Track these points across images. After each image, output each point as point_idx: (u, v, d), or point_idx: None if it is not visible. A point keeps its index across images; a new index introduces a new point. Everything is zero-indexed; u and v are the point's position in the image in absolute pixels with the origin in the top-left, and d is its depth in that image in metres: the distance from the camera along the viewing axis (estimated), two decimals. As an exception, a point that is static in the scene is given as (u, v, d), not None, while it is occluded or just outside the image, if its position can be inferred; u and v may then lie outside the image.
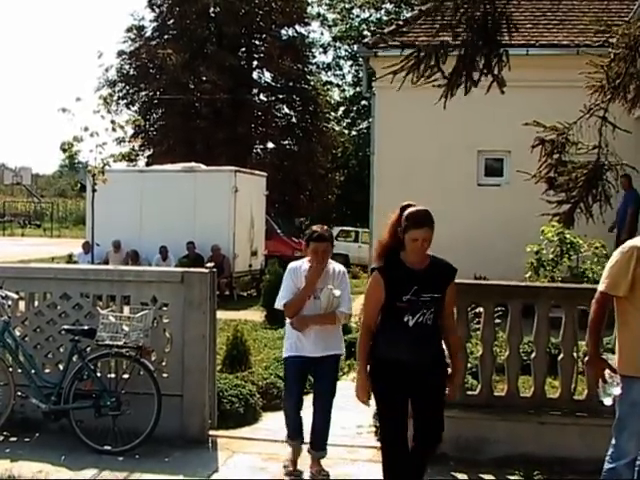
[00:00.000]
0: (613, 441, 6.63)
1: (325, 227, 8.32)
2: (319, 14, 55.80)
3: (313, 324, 8.00)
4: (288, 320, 8.19)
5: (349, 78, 58.55)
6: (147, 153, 46.99)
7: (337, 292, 7.97)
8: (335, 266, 8.22)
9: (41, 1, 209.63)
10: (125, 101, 47.53)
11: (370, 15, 55.51)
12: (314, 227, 8.27)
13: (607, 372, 6.61)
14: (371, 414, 9.90)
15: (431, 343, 6.57)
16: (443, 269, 6.68)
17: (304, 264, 8.16)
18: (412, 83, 8.57)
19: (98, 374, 9.20)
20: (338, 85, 59.17)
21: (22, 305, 9.96)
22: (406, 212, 6.55)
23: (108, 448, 8.84)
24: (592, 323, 6.71)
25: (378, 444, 9.36)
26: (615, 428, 6.63)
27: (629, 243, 6.61)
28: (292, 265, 8.28)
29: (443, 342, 6.74)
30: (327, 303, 7.94)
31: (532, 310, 8.86)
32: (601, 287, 6.63)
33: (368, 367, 6.67)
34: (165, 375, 9.34)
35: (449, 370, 6.80)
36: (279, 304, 8.15)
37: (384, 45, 20.44)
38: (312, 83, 50.05)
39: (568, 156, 9.60)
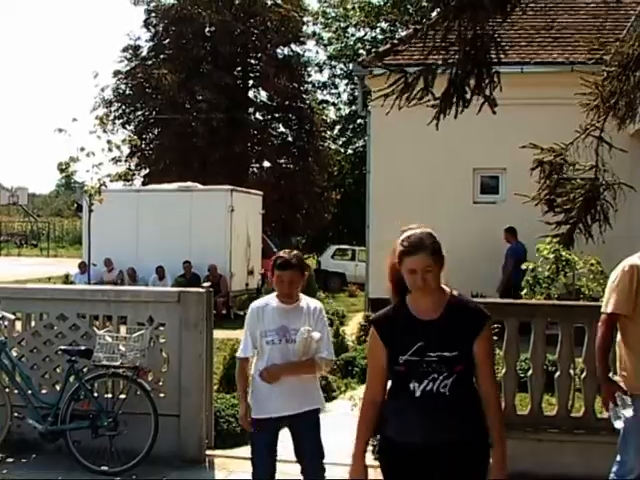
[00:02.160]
0: (618, 457, 6.64)
1: (295, 252, 6.79)
2: (314, 33, 55.86)
3: (287, 375, 6.52)
4: (253, 370, 6.80)
5: (345, 97, 58.55)
6: (143, 173, 46.97)
7: (316, 334, 6.51)
8: (309, 302, 6.77)
9: (37, 21, 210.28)
10: (121, 121, 47.51)
11: (365, 34, 55.57)
12: (281, 252, 6.82)
13: (617, 394, 6.56)
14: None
15: (452, 420, 4.85)
16: (466, 316, 4.94)
17: (271, 302, 6.72)
18: (399, 108, 8.58)
19: (95, 394, 9.22)
20: (334, 104, 59.17)
21: (19, 325, 9.97)
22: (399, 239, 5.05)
23: (105, 469, 8.85)
24: (600, 345, 6.68)
25: (375, 463, 9.36)
26: (620, 445, 6.63)
27: (628, 262, 6.63)
28: (254, 305, 6.84)
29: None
30: (304, 348, 6.47)
31: (529, 327, 8.87)
32: (609, 308, 6.62)
33: (372, 447, 5.37)
34: (162, 395, 9.35)
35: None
36: (238, 353, 6.93)
37: (379, 64, 20.51)
38: (308, 102, 50.07)
39: (566, 175, 9.63)
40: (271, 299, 6.74)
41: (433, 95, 8.47)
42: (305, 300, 6.76)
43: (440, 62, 8.66)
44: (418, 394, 4.84)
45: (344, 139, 57.02)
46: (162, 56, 47.21)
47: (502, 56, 8.63)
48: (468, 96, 8.52)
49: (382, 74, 8.58)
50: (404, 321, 4.97)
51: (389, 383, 5.08)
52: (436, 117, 8.64)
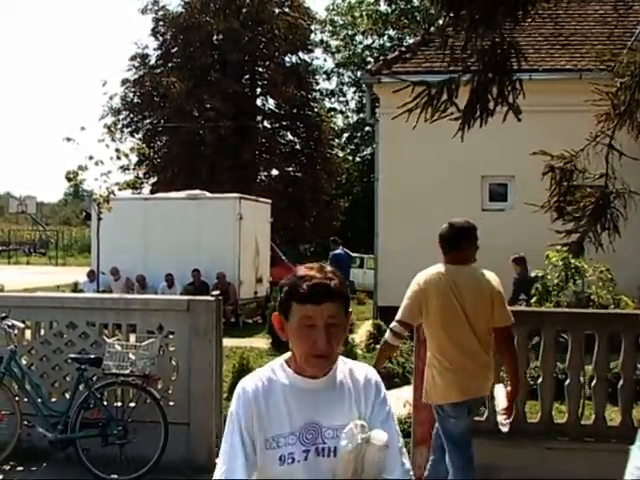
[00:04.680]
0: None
1: (330, 269, 3.30)
2: (322, 41, 56.15)
3: None
4: None
5: (352, 104, 58.84)
6: (152, 181, 47.12)
7: (380, 436, 3.20)
8: (354, 371, 3.42)
9: (46, 31, 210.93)
10: (129, 129, 47.72)
11: (373, 42, 55.81)
12: (302, 268, 3.31)
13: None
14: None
15: None
16: None
17: (278, 376, 3.36)
18: (425, 120, 8.57)
19: (104, 403, 9.20)
20: (342, 111, 59.46)
21: (28, 334, 9.98)
22: None
23: (115, 477, 8.83)
24: None
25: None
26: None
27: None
28: (247, 386, 3.34)
29: None
30: (355, 467, 3.20)
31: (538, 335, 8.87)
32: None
33: None
34: (171, 403, 9.33)
35: None
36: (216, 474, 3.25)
37: (387, 72, 20.52)
38: (316, 110, 50.26)
39: (576, 183, 9.61)
40: (278, 371, 3.38)
41: (457, 107, 8.45)
42: (344, 366, 3.43)
43: (460, 71, 8.64)
44: None
45: (352, 147, 57.20)
46: (170, 64, 47.41)
47: (523, 63, 8.62)
48: (491, 105, 8.50)
49: (404, 87, 8.53)
50: None
51: None
52: (461, 129, 8.61)
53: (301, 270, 3.30)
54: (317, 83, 53.61)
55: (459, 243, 6.86)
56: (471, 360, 6.71)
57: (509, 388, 6.98)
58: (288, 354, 3.40)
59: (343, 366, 3.40)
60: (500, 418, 7.05)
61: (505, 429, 6.97)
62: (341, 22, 56.50)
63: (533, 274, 14.93)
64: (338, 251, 22.22)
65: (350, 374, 3.39)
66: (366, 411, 3.32)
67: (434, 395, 6.93)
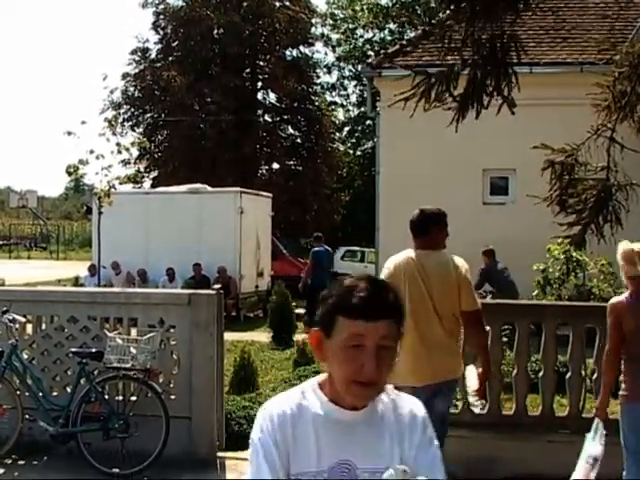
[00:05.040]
0: None
1: (380, 279, 3.15)
2: (323, 34, 56.00)
3: None
4: None
5: (353, 98, 58.74)
6: (152, 175, 47.04)
7: None
8: (399, 402, 3.00)
9: (46, 24, 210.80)
10: (130, 123, 47.59)
11: (374, 35, 55.70)
12: (350, 279, 2.81)
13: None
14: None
15: None
16: None
17: (310, 401, 2.84)
18: (424, 110, 8.58)
19: (106, 396, 9.21)
20: (342, 105, 59.36)
21: (29, 328, 9.99)
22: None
23: (116, 471, 8.84)
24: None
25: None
26: None
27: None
28: (275, 409, 2.82)
29: None
30: None
31: (539, 328, 8.88)
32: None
33: None
34: (173, 397, 9.34)
35: None
36: None
37: (388, 66, 20.51)
38: (317, 103, 50.17)
39: (577, 176, 9.60)
40: (310, 396, 2.87)
41: (454, 97, 8.47)
42: (386, 397, 2.99)
43: (459, 63, 8.64)
44: None
45: (353, 140, 57.13)
46: (171, 58, 47.31)
47: (522, 56, 8.64)
48: (486, 97, 8.52)
49: (404, 76, 8.53)
50: None
51: None
52: (455, 119, 8.63)
53: (349, 280, 2.79)
54: (318, 77, 53.54)
55: (429, 228, 7.00)
56: (434, 345, 6.75)
57: (480, 369, 6.99)
58: (322, 376, 2.88)
59: (385, 397, 2.93)
60: (472, 399, 7.10)
61: (477, 410, 7.04)
62: (342, 16, 56.39)
63: (534, 267, 14.92)
64: (318, 248, 22.59)
65: (394, 407, 2.92)
66: (409, 453, 2.82)
67: (394, 377, 6.96)
